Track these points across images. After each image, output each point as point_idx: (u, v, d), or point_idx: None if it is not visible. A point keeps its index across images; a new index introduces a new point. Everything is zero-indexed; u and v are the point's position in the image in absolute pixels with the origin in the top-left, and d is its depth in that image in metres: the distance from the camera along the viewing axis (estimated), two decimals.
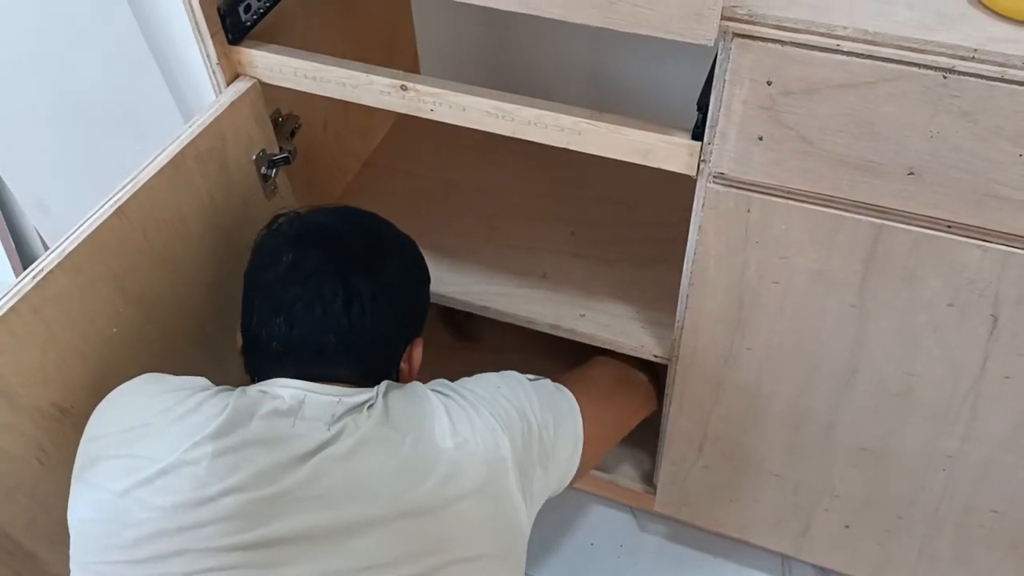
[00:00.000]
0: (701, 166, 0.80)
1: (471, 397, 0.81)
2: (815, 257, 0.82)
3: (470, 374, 0.87)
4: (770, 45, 0.69)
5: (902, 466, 0.99)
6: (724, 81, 0.72)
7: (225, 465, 0.71)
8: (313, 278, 0.80)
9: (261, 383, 0.78)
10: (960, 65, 0.65)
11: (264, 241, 0.86)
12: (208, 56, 0.93)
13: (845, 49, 0.67)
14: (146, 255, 0.87)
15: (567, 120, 0.82)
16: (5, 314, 0.74)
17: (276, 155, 1.03)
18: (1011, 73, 0.64)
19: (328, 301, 0.79)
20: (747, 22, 0.68)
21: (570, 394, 0.90)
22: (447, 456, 0.75)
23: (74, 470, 0.76)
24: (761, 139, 0.75)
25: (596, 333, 1.06)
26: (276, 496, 0.70)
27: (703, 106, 0.76)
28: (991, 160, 0.69)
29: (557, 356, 1.09)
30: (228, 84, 0.96)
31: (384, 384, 0.80)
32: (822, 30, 0.67)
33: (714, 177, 0.80)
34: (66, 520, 0.75)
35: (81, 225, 0.81)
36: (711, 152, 0.78)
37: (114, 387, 0.80)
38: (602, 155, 0.83)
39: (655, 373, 1.09)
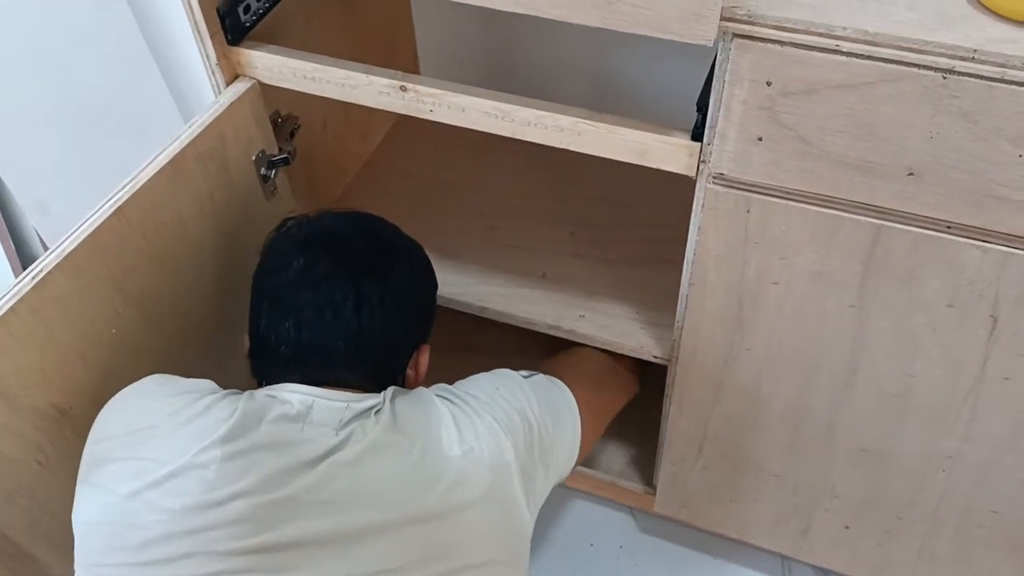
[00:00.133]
0: (701, 167, 0.80)
1: (473, 403, 0.81)
2: (815, 258, 0.82)
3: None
4: (769, 45, 0.69)
5: (902, 466, 0.99)
6: (723, 81, 0.72)
7: (234, 469, 0.71)
8: (323, 283, 0.79)
9: (269, 387, 0.78)
10: (960, 66, 0.65)
11: (273, 244, 0.86)
12: (208, 57, 0.93)
13: (845, 49, 0.67)
14: (146, 256, 0.87)
15: (566, 121, 0.82)
16: (4, 315, 0.74)
17: (276, 156, 1.03)
18: (1011, 74, 0.64)
19: (338, 306, 0.79)
20: (746, 22, 0.68)
21: (566, 388, 0.90)
22: (454, 464, 0.75)
23: (79, 472, 0.76)
24: (760, 139, 0.75)
25: (595, 334, 1.06)
26: (284, 501, 0.70)
27: (702, 107, 0.76)
28: (991, 161, 0.69)
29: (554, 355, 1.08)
30: (228, 85, 0.96)
31: (391, 390, 0.80)
32: (821, 30, 0.67)
33: (714, 178, 0.80)
34: (67, 522, 0.75)
35: (80, 226, 0.81)
36: (710, 152, 0.78)
37: (114, 388, 0.80)
38: (601, 156, 0.83)
39: (637, 360, 1.09)
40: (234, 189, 0.98)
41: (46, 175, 1.49)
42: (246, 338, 0.84)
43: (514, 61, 1.42)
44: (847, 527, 1.10)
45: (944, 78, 0.66)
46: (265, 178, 1.02)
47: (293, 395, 0.76)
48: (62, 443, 0.82)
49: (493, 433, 0.78)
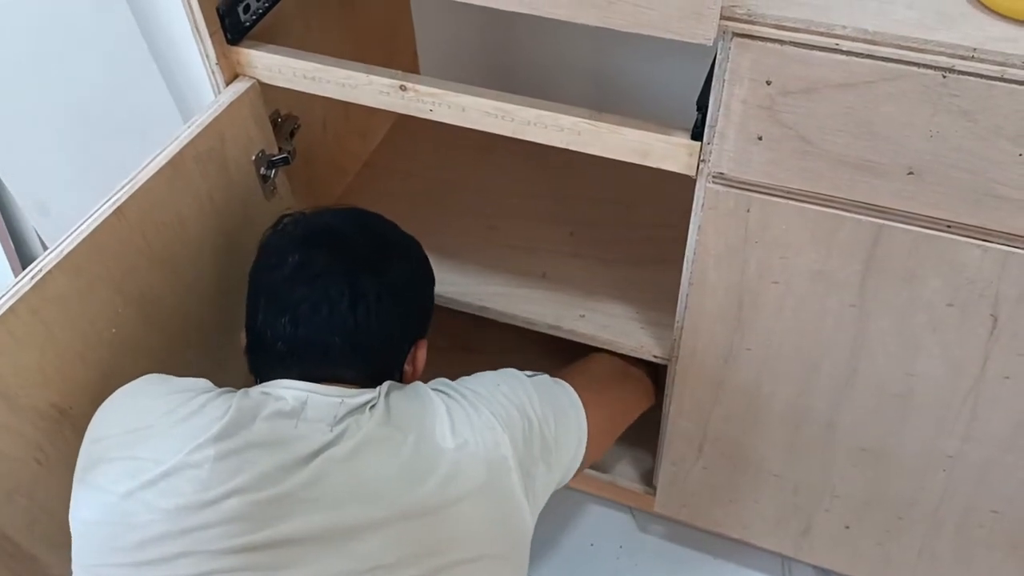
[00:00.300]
0: (701, 166, 0.80)
1: (471, 396, 0.81)
2: (815, 257, 0.82)
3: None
4: (769, 45, 0.69)
5: (902, 466, 0.99)
6: (723, 81, 0.72)
7: (228, 467, 0.71)
8: (319, 279, 0.80)
9: (264, 384, 0.78)
10: (960, 64, 0.65)
11: (270, 241, 0.86)
12: (207, 56, 0.93)
13: (844, 48, 0.67)
14: (145, 256, 0.87)
15: (566, 120, 0.82)
16: (4, 315, 0.74)
17: (275, 155, 1.03)
18: (1011, 72, 0.64)
19: (334, 302, 0.79)
20: (746, 22, 0.68)
21: (570, 388, 0.90)
22: (448, 457, 0.75)
23: (76, 471, 0.76)
24: (760, 139, 0.75)
25: (596, 334, 1.06)
26: (279, 498, 0.70)
27: (702, 106, 0.76)
28: (991, 160, 0.69)
29: (556, 357, 1.08)
30: (227, 84, 0.96)
31: (386, 384, 0.80)
32: (821, 29, 0.67)
33: (714, 177, 0.80)
34: (66, 521, 0.75)
35: (80, 226, 0.80)
36: (710, 152, 0.78)
37: (113, 388, 0.80)
38: (602, 155, 0.83)
39: (654, 368, 1.09)
40: (234, 189, 0.98)
41: (46, 175, 1.49)
42: (243, 335, 0.84)
43: (514, 61, 1.42)
44: (847, 527, 1.10)
45: (944, 77, 0.66)
46: (265, 178, 1.02)
47: (288, 391, 0.76)
48: (62, 443, 0.82)
49: (490, 427, 0.78)
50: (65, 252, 0.78)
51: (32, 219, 1.56)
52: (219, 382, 0.80)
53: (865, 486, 1.03)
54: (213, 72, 0.95)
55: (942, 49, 0.65)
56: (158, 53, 1.42)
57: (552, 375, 0.92)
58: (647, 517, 1.39)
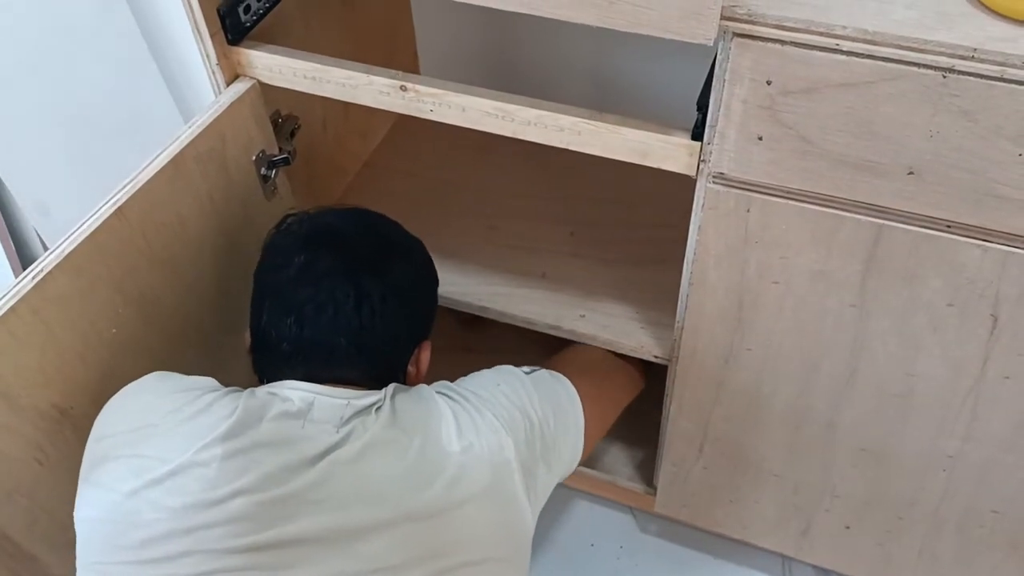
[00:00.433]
0: (701, 166, 0.80)
1: (474, 399, 0.81)
2: (815, 257, 0.82)
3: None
4: (770, 45, 0.69)
5: (902, 466, 0.99)
6: (724, 81, 0.72)
7: (235, 467, 0.71)
8: (324, 280, 0.80)
9: (270, 384, 0.78)
10: (960, 64, 0.65)
11: (275, 241, 0.86)
12: (208, 57, 0.93)
13: (845, 49, 0.67)
14: (146, 256, 0.87)
15: (567, 120, 0.82)
16: (4, 315, 0.74)
17: (276, 156, 1.03)
18: (1011, 72, 0.64)
19: (340, 303, 0.79)
20: (747, 22, 0.68)
21: (568, 383, 0.90)
22: (454, 460, 0.75)
23: (81, 470, 0.76)
24: (761, 139, 0.75)
25: (596, 334, 1.06)
26: (285, 498, 0.70)
27: (703, 106, 0.76)
28: (991, 159, 0.69)
29: (554, 355, 1.08)
30: (228, 85, 0.96)
31: (392, 386, 0.80)
32: (822, 30, 0.67)
33: (714, 177, 0.80)
34: (67, 521, 0.75)
35: (80, 226, 0.81)
36: (711, 152, 0.78)
37: (114, 388, 0.80)
38: (602, 155, 0.83)
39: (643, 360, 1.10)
40: (234, 189, 0.98)
41: (46, 176, 1.49)
42: (247, 334, 0.84)
43: (514, 61, 1.42)
44: (848, 527, 1.10)
45: (944, 77, 0.66)
46: (265, 178, 1.02)
47: (294, 392, 0.76)
48: (62, 443, 0.82)
49: (493, 430, 0.78)
50: (66, 252, 0.78)
51: (32, 219, 1.56)
52: (220, 382, 0.80)
53: (865, 486, 1.03)
54: (213, 72, 0.95)
55: (942, 49, 0.65)
56: (158, 53, 1.42)
57: (546, 364, 0.92)
58: (647, 517, 1.39)
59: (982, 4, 0.68)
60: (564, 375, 0.91)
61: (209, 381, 0.79)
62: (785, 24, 0.68)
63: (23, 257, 1.60)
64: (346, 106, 0.94)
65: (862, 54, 0.67)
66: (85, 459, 0.76)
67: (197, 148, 0.90)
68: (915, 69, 0.66)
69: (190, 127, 0.91)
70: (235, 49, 0.94)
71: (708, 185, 0.81)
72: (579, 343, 1.08)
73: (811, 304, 0.86)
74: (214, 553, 0.69)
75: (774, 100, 0.72)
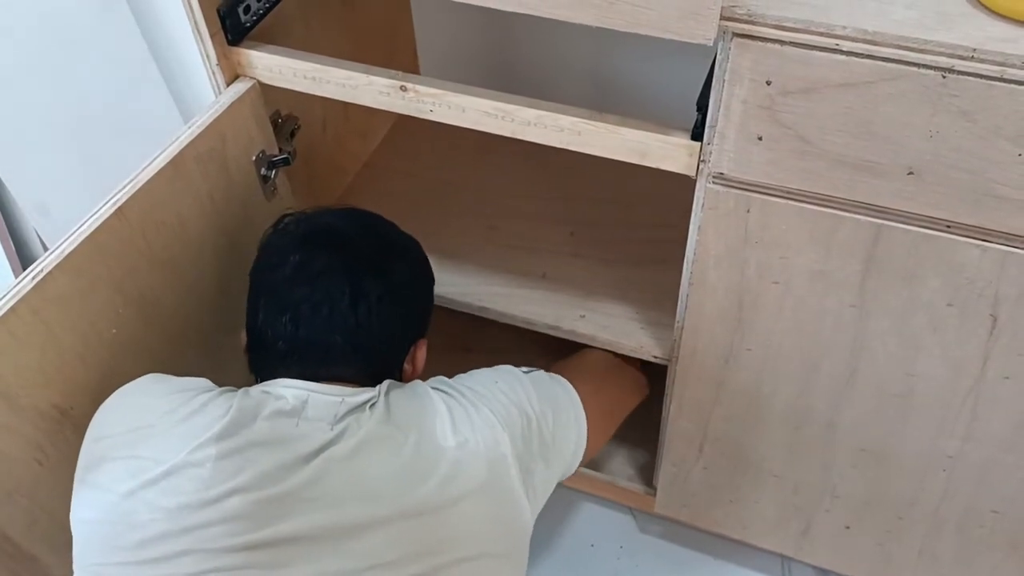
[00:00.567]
0: (700, 166, 0.80)
1: (470, 395, 0.81)
2: (815, 257, 0.82)
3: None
4: (769, 45, 0.69)
5: (902, 466, 0.99)
6: (723, 81, 0.72)
7: (229, 466, 0.71)
8: (320, 279, 0.80)
9: (264, 383, 0.79)
10: (959, 65, 0.65)
11: (271, 241, 0.86)
12: (208, 57, 0.93)
13: (844, 49, 0.67)
14: (146, 256, 0.87)
15: (566, 121, 0.82)
16: (4, 315, 0.74)
17: (276, 156, 1.03)
18: (1010, 72, 0.64)
19: (335, 301, 0.79)
20: (746, 22, 0.68)
21: (567, 383, 0.90)
22: (449, 455, 0.75)
23: (77, 471, 0.76)
24: (760, 139, 0.75)
25: (596, 334, 1.06)
26: (280, 497, 0.71)
27: (702, 106, 0.76)
28: (990, 160, 0.69)
29: (555, 357, 1.08)
30: (228, 85, 0.96)
31: (386, 383, 0.80)
32: (821, 30, 0.67)
33: (713, 177, 0.80)
34: (67, 522, 0.75)
35: (80, 226, 0.81)
36: (710, 152, 0.78)
37: (114, 388, 0.80)
38: (601, 156, 0.83)
39: (646, 364, 1.10)
40: (234, 189, 0.98)
41: (46, 176, 1.49)
42: (243, 334, 0.84)
43: (514, 61, 1.42)
44: (848, 527, 1.10)
45: (943, 77, 0.66)
46: (265, 178, 1.02)
47: (288, 391, 0.76)
48: (62, 443, 0.82)
49: (489, 425, 0.78)
50: (66, 252, 0.78)
51: (33, 220, 1.56)
52: (219, 382, 0.80)
53: (865, 486, 1.03)
54: (213, 73, 0.95)
55: (942, 49, 0.65)
56: (158, 54, 1.42)
57: (546, 369, 0.92)
58: (647, 518, 1.39)
59: (982, 4, 0.68)
60: (565, 377, 0.91)
61: (203, 382, 0.79)
62: (785, 24, 0.68)
63: (23, 257, 1.60)
64: (346, 106, 0.94)
65: (862, 54, 0.67)
66: (81, 460, 0.76)
67: (197, 148, 0.90)
68: (915, 69, 0.66)
69: (190, 127, 0.91)
70: (235, 49, 0.94)
71: (708, 185, 0.81)
72: (584, 348, 1.08)
73: (811, 304, 0.86)
74: (211, 552, 0.69)
75: (774, 100, 0.72)
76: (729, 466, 1.09)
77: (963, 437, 0.92)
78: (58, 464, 0.82)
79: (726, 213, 0.82)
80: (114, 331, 0.85)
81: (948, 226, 0.75)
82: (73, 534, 0.74)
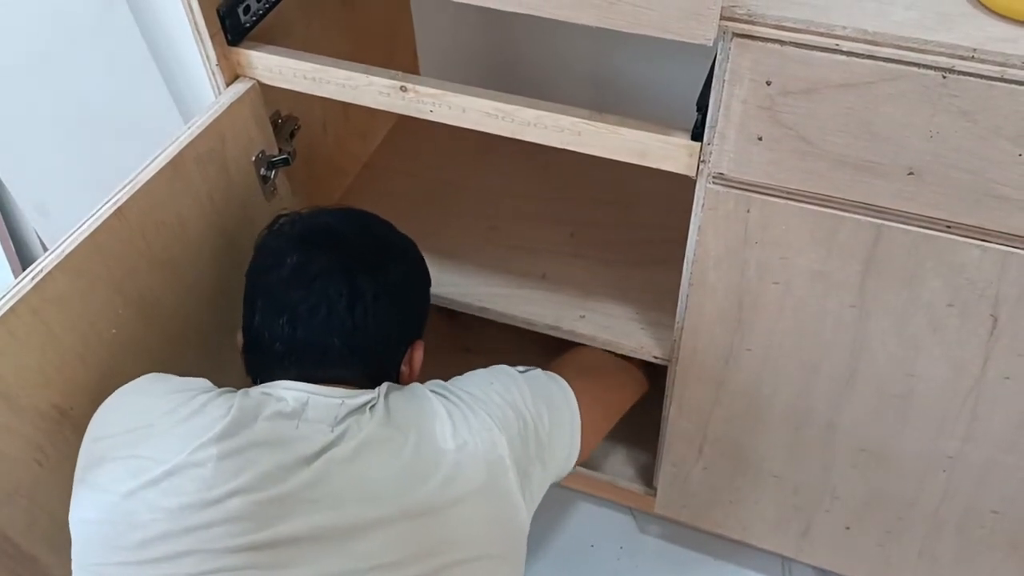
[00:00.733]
0: (700, 167, 0.80)
1: (467, 398, 0.81)
2: (815, 257, 0.82)
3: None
4: (769, 45, 0.69)
5: (902, 467, 0.99)
6: (723, 81, 0.72)
7: (230, 467, 0.71)
8: (318, 280, 0.80)
9: (264, 385, 0.79)
10: (959, 65, 0.65)
11: (266, 242, 0.86)
12: (207, 57, 0.93)
13: (844, 49, 0.67)
14: (145, 257, 0.87)
15: (566, 121, 0.82)
16: (4, 315, 0.74)
17: (275, 156, 1.03)
18: (1010, 73, 0.64)
19: (333, 303, 0.79)
20: (746, 22, 0.68)
21: (563, 382, 0.90)
22: (449, 458, 0.75)
23: (76, 471, 0.76)
24: (760, 139, 0.75)
25: (595, 334, 1.06)
26: (281, 497, 0.71)
27: (702, 106, 0.76)
28: (990, 160, 0.69)
29: (555, 358, 1.08)
30: (227, 85, 0.96)
31: (385, 385, 0.80)
32: (821, 30, 0.67)
33: (713, 178, 0.80)
34: (67, 522, 0.75)
35: (80, 226, 0.81)
36: (710, 152, 0.78)
37: (114, 388, 0.80)
38: (601, 156, 0.83)
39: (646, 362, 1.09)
40: (234, 190, 0.98)
41: (46, 177, 1.49)
42: (240, 335, 0.84)
43: (514, 61, 1.42)
44: (848, 528, 1.10)
45: (944, 77, 0.66)
46: (265, 179, 1.02)
47: (288, 392, 0.76)
48: (62, 443, 0.82)
49: (487, 428, 0.78)
50: (66, 252, 0.78)
51: (32, 220, 1.56)
52: (219, 383, 0.80)
53: (865, 487, 1.03)
54: (213, 73, 0.95)
55: (942, 49, 0.65)
56: (158, 54, 1.42)
57: (544, 367, 0.92)
58: (647, 518, 1.39)
59: (982, 4, 0.68)
60: (561, 375, 0.91)
61: (203, 382, 0.79)
62: (785, 24, 0.68)
63: (23, 257, 1.61)
64: (346, 107, 0.94)
65: (862, 54, 0.67)
66: (80, 460, 0.76)
67: (197, 149, 0.90)
68: (915, 69, 0.66)
69: (190, 128, 0.91)
70: (235, 50, 0.94)
71: (708, 185, 0.81)
72: (581, 345, 1.08)
73: (811, 305, 0.86)
74: (213, 553, 0.69)
75: (774, 100, 0.72)
76: (729, 467, 1.09)
77: (963, 437, 0.92)
78: (58, 464, 0.82)
79: (726, 213, 0.82)
80: (114, 331, 0.85)
81: (948, 226, 0.75)
82: (72, 534, 0.74)
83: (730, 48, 0.70)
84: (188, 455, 0.71)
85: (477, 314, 1.10)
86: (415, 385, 0.83)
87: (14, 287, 0.76)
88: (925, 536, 1.06)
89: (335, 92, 0.92)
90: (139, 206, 0.85)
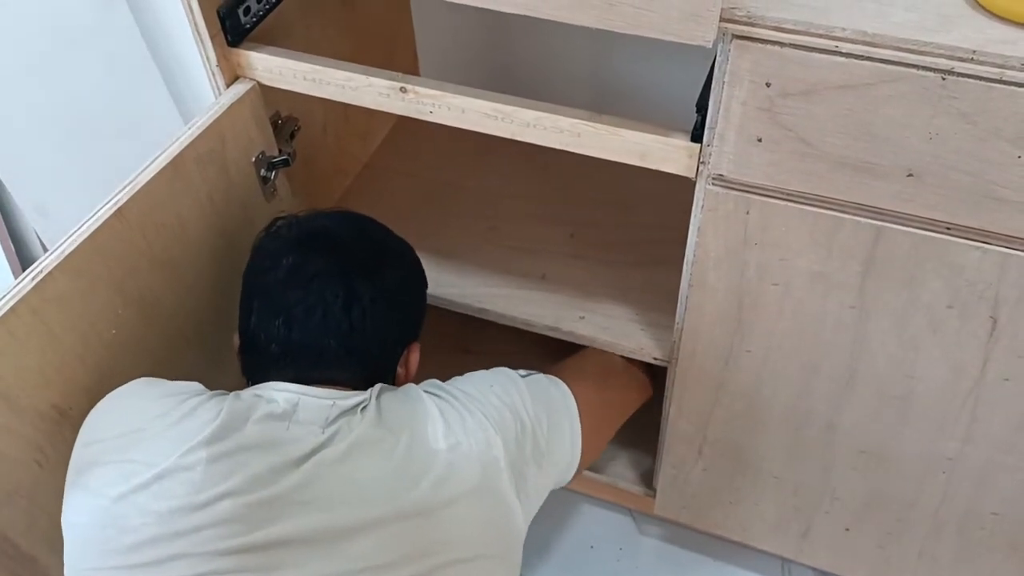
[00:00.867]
0: (700, 168, 0.80)
1: (463, 398, 0.81)
2: (815, 259, 0.82)
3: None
4: (769, 46, 0.69)
5: (902, 468, 0.99)
6: (723, 83, 0.72)
7: (220, 470, 0.71)
8: (314, 282, 0.80)
9: (256, 387, 0.79)
10: (959, 67, 0.65)
11: (263, 244, 0.86)
12: (208, 58, 0.93)
13: (844, 50, 0.67)
14: (146, 257, 0.87)
15: (566, 122, 0.82)
16: (5, 315, 0.74)
17: (275, 157, 1.03)
18: (1010, 74, 0.64)
19: (329, 305, 0.79)
20: (746, 23, 0.68)
21: (565, 387, 0.90)
22: (441, 458, 0.75)
23: (68, 474, 0.76)
24: (760, 141, 0.75)
25: (595, 335, 1.06)
26: (272, 500, 0.70)
27: (702, 108, 0.76)
28: (990, 161, 0.69)
29: (555, 358, 1.08)
30: (227, 86, 0.96)
31: (378, 386, 0.80)
32: (821, 31, 0.67)
33: (713, 179, 0.80)
34: None
35: (80, 226, 0.81)
36: (710, 154, 0.78)
37: (113, 389, 0.80)
38: (601, 157, 0.83)
39: (649, 365, 1.09)
40: (234, 191, 0.98)
41: (46, 177, 1.49)
42: (236, 336, 0.84)
43: (514, 62, 1.42)
44: (847, 529, 1.10)
45: (943, 79, 0.66)
46: (265, 180, 1.02)
47: (279, 394, 0.76)
48: (62, 444, 0.82)
49: (482, 428, 0.78)
50: (66, 253, 0.78)
51: (32, 220, 1.56)
52: (218, 383, 0.80)
53: (865, 488, 1.03)
54: (213, 74, 0.95)
55: (941, 51, 0.65)
56: (158, 55, 1.42)
57: (546, 371, 0.92)
58: (647, 519, 1.39)
59: (981, 6, 0.68)
60: (563, 380, 0.91)
61: (195, 385, 0.79)
62: (784, 26, 0.68)
63: (23, 258, 1.61)
64: (346, 108, 0.94)
65: (861, 56, 0.67)
66: (72, 463, 0.76)
67: (197, 149, 0.90)
68: (914, 71, 0.66)
69: (190, 128, 0.91)
70: (235, 51, 0.94)
71: (707, 187, 0.81)
72: (585, 349, 1.08)
73: (811, 306, 0.86)
74: (203, 556, 0.69)
75: (773, 102, 0.72)
76: (729, 468, 1.09)
77: (963, 439, 0.92)
78: (58, 465, 0.82)
79: (726, 215, 0.82)
80: (114, 332, 0.85)
81: (948, 228, 0.75)
82: (64, 536, 0.74)
83: (729, 50, 0.70)
84: (178, 459, 0.71)
85: (476, 315, 1.10)
86: (409, 386, 0.83)
87: (14, 287, 0.76)
88: (925, 537, 1.06)
89: (335, 93, 0.92)
90: (139, 207, 0.85)
